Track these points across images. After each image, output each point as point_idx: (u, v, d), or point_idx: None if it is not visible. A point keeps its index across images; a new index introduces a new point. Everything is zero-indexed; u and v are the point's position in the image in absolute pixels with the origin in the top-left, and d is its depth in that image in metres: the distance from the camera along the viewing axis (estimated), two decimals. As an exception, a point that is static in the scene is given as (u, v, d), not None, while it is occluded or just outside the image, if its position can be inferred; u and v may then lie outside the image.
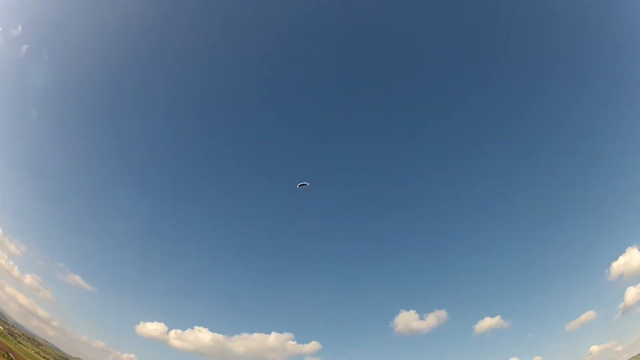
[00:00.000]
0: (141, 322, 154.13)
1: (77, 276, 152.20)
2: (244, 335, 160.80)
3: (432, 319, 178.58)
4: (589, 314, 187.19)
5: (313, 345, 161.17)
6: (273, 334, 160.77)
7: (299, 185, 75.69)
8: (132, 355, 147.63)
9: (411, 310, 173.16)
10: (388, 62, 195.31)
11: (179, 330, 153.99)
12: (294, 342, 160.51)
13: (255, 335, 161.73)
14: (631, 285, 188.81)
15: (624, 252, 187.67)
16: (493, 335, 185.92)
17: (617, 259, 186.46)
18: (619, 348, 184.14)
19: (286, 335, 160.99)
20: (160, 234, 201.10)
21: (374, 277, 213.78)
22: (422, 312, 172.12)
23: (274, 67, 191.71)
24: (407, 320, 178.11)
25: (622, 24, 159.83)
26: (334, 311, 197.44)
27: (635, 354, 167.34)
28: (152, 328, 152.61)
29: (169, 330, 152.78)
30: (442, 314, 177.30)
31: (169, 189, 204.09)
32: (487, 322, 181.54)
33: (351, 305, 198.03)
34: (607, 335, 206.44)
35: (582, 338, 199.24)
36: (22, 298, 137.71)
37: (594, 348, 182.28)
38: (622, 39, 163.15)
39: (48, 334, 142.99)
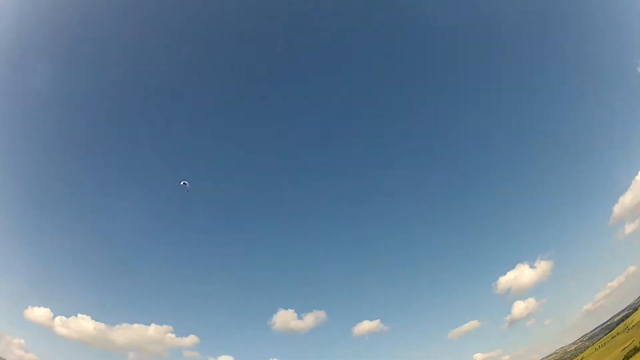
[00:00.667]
0: (29, 306, 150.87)
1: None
2: (124, 325, 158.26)
3: (311, 319, 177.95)
4: (473, 323, 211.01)
5: (192, 339, 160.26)
6: (153, 325, 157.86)
7: (182, 183, 76.10)
8: (22, 341, 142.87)
9: (289, 309, 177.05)
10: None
11: (64, 317, 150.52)
12: (173, 335, 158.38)
13: (136, 326, 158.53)
14: (519, 300, 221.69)
15: (514, 267, 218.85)
16: (373, 338, 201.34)
17: (505, 274, 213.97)
18: (506, 357, 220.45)
19: (165, 327, 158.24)
20: (43, 210, 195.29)
21: (254, 274, 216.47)
22: (300, 312, 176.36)
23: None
24: (285, 318, 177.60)
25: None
26: (212, 306, 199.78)
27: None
28: (39, 314, 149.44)
29: (54, 317, 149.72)
30: (320, 314, 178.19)
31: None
32: (366, 325, 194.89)
33: (230, 301, 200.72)
34: (492, 344, 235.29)
35: (465, 345, 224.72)
36: None
37: (478, 356, 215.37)
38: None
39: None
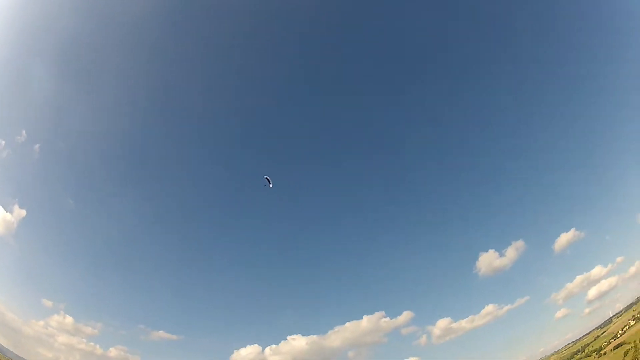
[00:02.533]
0: (234, 351, 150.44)
1: (161, 331, 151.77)
2: (337, 328, 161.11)
3: (512, 252, 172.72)
4: None
5: (405, 316, 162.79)
6: (364, 317, 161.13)
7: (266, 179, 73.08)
8: None
9: (489, 250, 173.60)
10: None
11: (273, 346, 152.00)
12: (387, 319, 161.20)
13: (348, 324, 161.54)
14: None
15: None
16: (573, 249, 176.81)
17: None
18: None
19: (377, 314, 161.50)
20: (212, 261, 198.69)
21: (450, 226, 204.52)
22: (500, 249, 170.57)
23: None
24: (488, 260, 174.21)
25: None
26: (416, 274, 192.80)
27: None
28: (246, 353, 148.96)
29: (263, 349, 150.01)
30: (519, 244, 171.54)
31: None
32: (564, 238, 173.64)
33: (430, 259, 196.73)
34: None
35: None
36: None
37: None
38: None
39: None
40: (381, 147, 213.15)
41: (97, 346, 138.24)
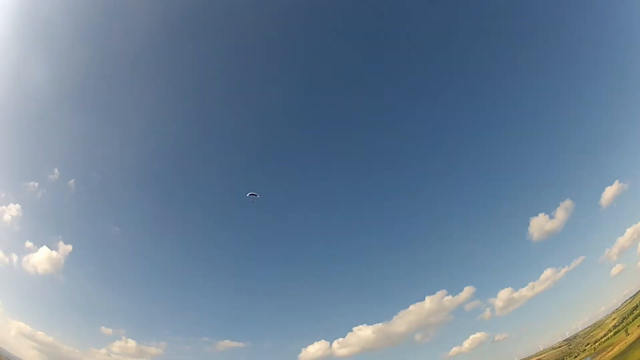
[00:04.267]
0: (302, 349, 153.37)
1: (226, 340, 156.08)
2: (400, 313, 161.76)
3: (561, 213, 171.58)
4: None
5: (467, 291, 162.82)
6: (427, 298, 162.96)
7: (249, 195, 73.92)
8: None
9: (539, 214, 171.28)
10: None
11: (340, 339, 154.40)
12: (450, 297, 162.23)
13: (412, 307, 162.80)
14: None
15: None
16: (619, 202, 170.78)
17: None
18: None
19: (439, 293, 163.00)
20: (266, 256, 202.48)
21: (497, 195, 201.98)
22: (549, 211, 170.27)
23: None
24: (539, 224, 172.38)
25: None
26: (472, 248, 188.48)
27: None
28: (314, 350, 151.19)
29: (331, 344, 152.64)
30: (567, 204, 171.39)
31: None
32: (609, 192, 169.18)
33: (482, 232, 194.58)
34: None
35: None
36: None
37: None
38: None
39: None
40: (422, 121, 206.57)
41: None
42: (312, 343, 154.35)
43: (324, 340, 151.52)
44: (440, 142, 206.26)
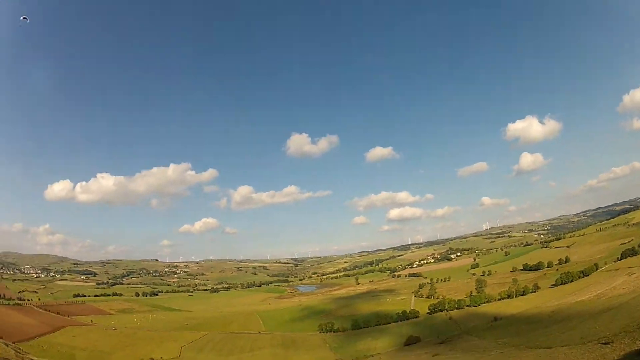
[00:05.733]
0: (48, 186, 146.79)
1: None
2: (143, 172, 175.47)
3: (324, 144, 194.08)
4: (481, 165, 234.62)
5: (210, 173, 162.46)
6: (171, 165, 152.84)
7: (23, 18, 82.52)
8: (47, 226, 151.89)
9: (303, 134, 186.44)
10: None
11: (84, 183, 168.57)
12: (193, 172, 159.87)
13: (155, 169, 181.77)
14: (527, 152, 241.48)
15: (524, 118, 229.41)
16: (384, 165, 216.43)
17: (514, 122, 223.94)
18: (512, 208, 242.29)
19: (184, 165, 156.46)
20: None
21: (269, 94, 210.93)
22: (313, 136, 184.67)
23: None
24: (299, 143, 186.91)
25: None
26: (229, 135, 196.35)
27: (530, 219, 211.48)
28: (59, 189, 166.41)
29: (74, 186, 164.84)
30: (333, 139, 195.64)
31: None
32: (379, 152, 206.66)
33: (246, 125, 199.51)
34: (499, 192, 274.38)
35: (473, 187, 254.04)
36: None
37: (486, 200, 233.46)
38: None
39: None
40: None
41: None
42: (58, 181, 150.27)
43: (69, 180, 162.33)
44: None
